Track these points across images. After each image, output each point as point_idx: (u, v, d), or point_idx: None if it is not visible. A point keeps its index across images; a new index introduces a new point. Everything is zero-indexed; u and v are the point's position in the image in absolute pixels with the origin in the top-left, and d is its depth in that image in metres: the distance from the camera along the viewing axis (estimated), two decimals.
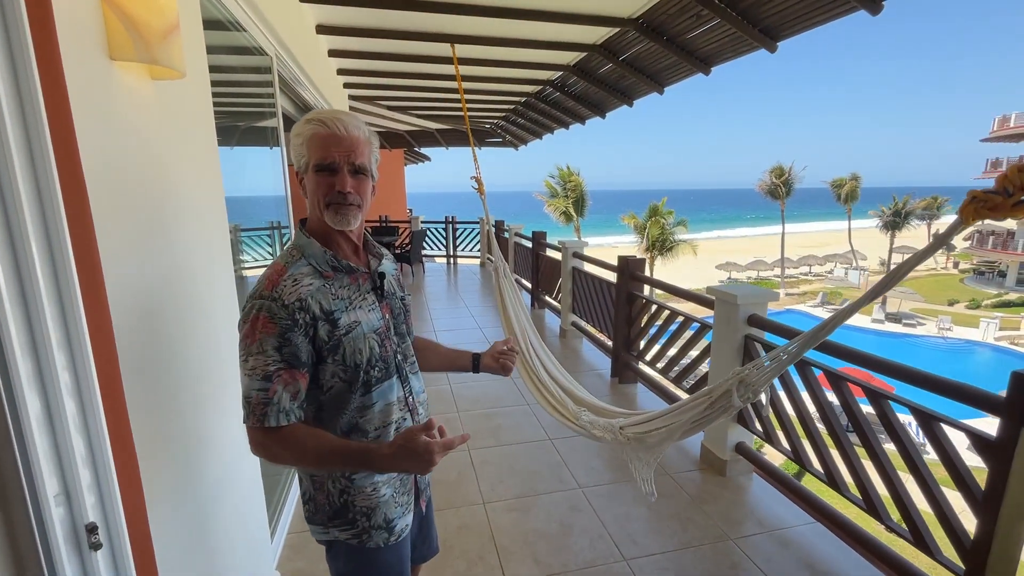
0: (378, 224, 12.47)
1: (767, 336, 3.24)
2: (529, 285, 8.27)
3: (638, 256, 4.98)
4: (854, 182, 42.02)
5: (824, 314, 31.78)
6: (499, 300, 2.78)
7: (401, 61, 5.32)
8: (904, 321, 29.35)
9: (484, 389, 4.82)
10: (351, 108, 7.41)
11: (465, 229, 12.50)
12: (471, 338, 6.69)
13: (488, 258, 11.62)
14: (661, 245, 20.93)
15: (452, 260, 12.54)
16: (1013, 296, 33.95)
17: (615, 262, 5.01)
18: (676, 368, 4.34)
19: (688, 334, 4.14)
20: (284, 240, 3.33)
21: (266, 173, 3.07)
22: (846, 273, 41.07)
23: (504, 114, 8.46)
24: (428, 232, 12.46)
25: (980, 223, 1.62)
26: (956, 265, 50.30)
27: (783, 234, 38.92)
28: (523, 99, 7.13)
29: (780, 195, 36.22)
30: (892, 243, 31.93)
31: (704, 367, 3.83)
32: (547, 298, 7.63)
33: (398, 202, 14.27)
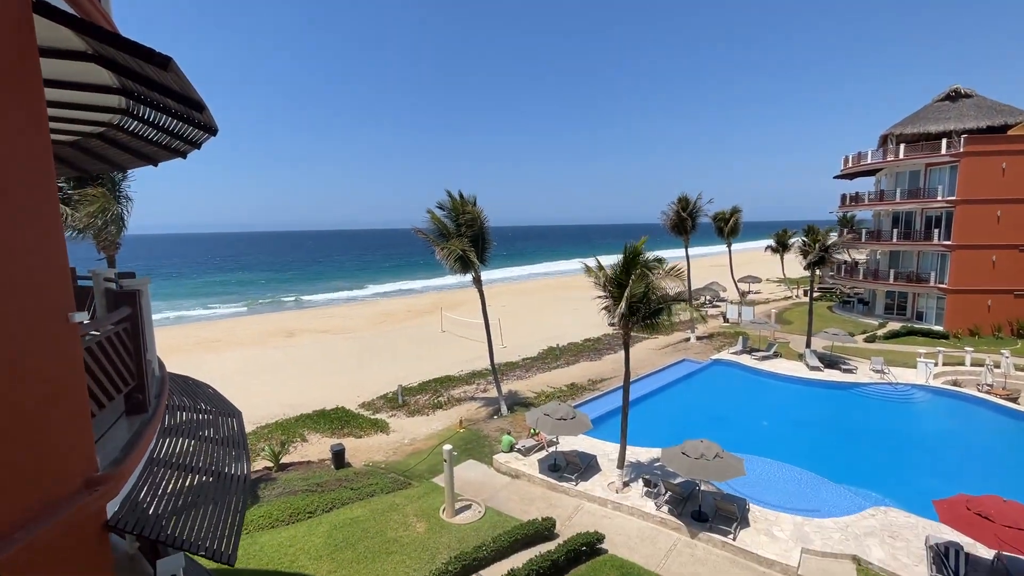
0: None
1: None
2: None
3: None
4: (736, 215, 41.09)
5: (759, 364, 27.53)
6: None
7: None
8: (841, 367, 26.36)
9: None
10: None
11: None
12: None
13: None
14: (646, 310, 13.21)
15: None
16: (896, 325, 34.47)
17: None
18: None
19: None
20: None
21: None
22: (739, 313, 39.02)
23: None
24: None
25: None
26: (805, 293, 53.64)
27: (688, 271, 35.19)
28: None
29: (686, 228, 32.19)
30: (814, 276, 29.56)
31: None
32: None
33: None
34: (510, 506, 14.38)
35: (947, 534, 12.40)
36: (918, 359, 25.13)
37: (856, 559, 11.93)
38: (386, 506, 14.08)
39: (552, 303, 55.39)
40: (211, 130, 4.87)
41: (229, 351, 36.10)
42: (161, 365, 5.99)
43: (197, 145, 5.70)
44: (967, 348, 26.98)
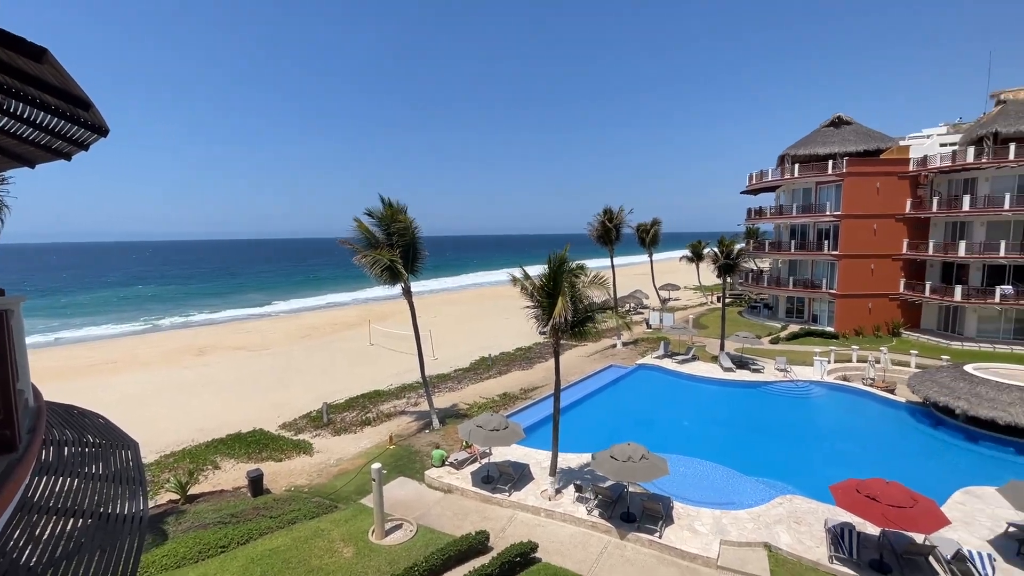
0: None
1: None
2: None
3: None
4: (657, 226, 43.49)
5: (679, 368, 29.14)
6: None
7: None
8: (751, 367, 28.56)
9: None
10: None
11: None
12: None
13: None
14: (574, 319, 13.51)
15: None
16: (795, 328, 37.95)
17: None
18: None
19: None
20: None
21: None
22: (661, 319, 41.12)
23: None
24: None
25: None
26: (719, 299, 57.70)
27: (614, 280, 36.65)
28: None
29: (611, 238, 33.60)
30: (726, 283, 31.69)
31: None
32: None
33: None
34: (443, 522, 14.08)
35: (842, 516, 13.72)
36: (814, 358, 27.82)
37: (767, 546, 12.87)
38: (310, 533, 13.26)
39: (484, 313, 55.44)
40: (100, 130, 4.39)
41: (129, 373, 32.62)
42: (37, 394, 5.26)
43: (84, 146, 5.12)
44: (853, 347, 30.26)
